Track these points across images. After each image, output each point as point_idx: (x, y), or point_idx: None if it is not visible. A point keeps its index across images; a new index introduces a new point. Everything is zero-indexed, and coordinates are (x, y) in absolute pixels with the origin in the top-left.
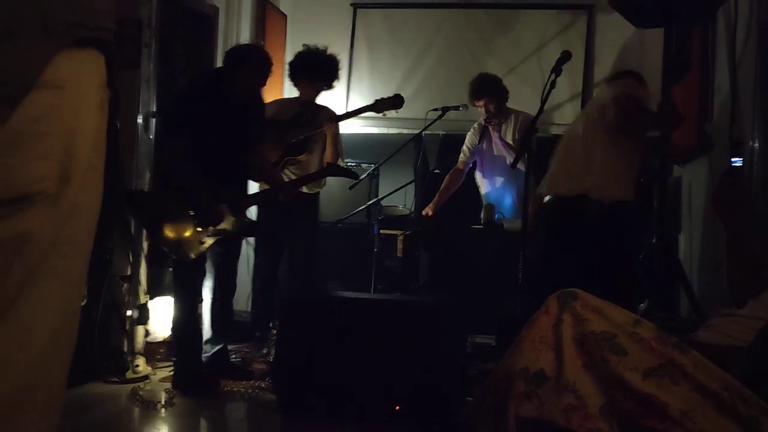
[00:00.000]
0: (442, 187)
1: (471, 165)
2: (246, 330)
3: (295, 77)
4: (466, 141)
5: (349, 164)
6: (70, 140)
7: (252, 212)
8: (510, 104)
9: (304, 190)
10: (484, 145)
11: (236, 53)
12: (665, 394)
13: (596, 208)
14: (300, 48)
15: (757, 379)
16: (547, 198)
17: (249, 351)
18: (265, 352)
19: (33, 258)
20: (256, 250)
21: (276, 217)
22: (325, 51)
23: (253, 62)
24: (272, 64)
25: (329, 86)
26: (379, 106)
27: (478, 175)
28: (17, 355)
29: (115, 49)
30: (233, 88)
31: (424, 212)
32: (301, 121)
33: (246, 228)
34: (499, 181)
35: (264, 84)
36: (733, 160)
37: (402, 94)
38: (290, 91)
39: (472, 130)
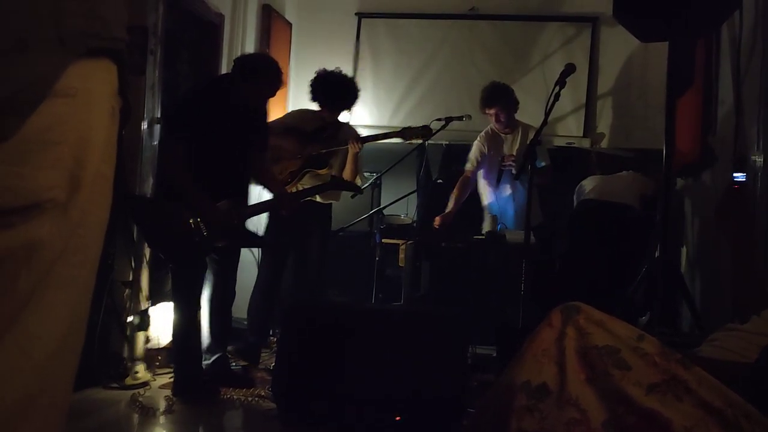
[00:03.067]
0: (455, 197)
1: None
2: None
3: (317, 100)
4: (473, 150)
5: None
6: (81, 149)
7: (262, 218)
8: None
9: (319, 200)
10: (491, 155)
11: (249, 63)
12: (668, 410)
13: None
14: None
15: (761, 396)
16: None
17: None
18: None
19: (42, 266)
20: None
21: (287, 225)
22: (345, 77)
23: (267, 74)
24: (282, 75)
25: (349, 110)
26: (406, 135)
27: (481, 183)
28: (23, 363)
29: (127, 58)
30: (242, 98)
31: (436, 224)
32: (324, 135)
33: (245, 238)
34: (503, 191)
35: (273, 95)
36: (735, 175)
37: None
38: (294, 101)
39: (479, 138)
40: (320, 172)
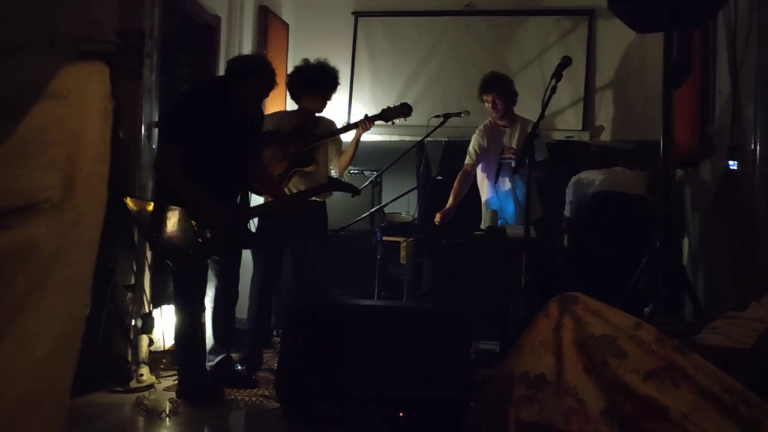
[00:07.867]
0: (454, 192)
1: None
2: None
3: (296, 93)
4: (472, 143)
5: (351, 172)
6: (75, 149)
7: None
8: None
9: (315, 198)
10: (491, 147)
11: (243, 65)
12: (666, 397)
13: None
14: (301, 58)
15: (760, 381)
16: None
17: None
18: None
19: (38, 267)
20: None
21: (281, 224)
22: (323, 64)
23: (261, 75)
24: (276, 76)
25: (329, 98)
26: (387, 115)
27: (480, 178)
28: (22, 362)
29: (117, 60)
30: (237, 99)
31: (436, 220)
32: (303, 132)
33: (247, 239)
34: (503, 186)
35: (267, 96)
36: (729, 163)
37: (403, 101)
38: (291, 102)
39: (477, 132)
40: (307, 169)
